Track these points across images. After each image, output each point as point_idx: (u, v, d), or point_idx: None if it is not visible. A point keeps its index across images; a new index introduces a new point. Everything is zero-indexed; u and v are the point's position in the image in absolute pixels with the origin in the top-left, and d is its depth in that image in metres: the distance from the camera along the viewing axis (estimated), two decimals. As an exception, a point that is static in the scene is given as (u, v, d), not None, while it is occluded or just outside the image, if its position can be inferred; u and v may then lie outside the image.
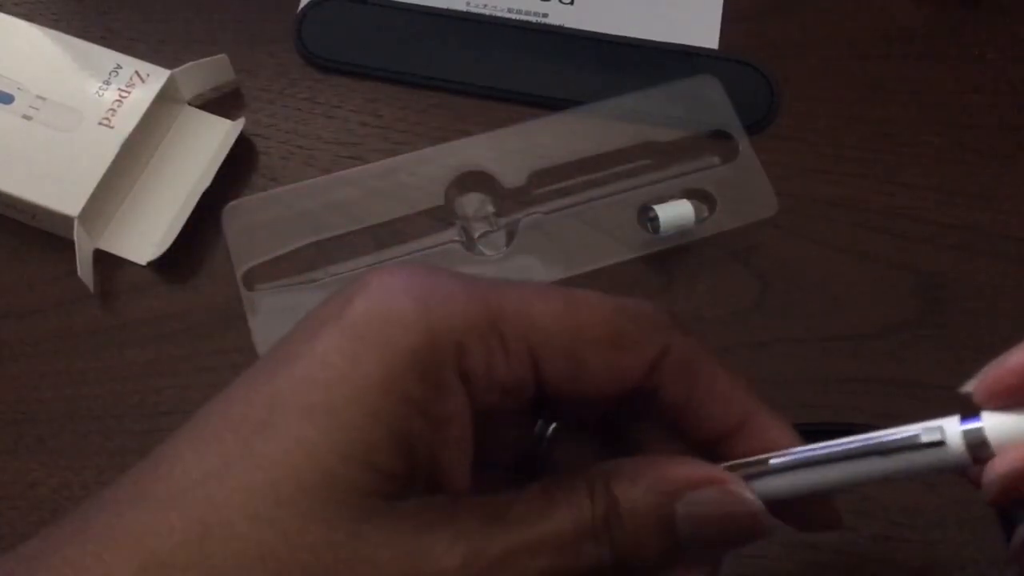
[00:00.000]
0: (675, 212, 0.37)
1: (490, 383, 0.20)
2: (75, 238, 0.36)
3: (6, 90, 0.38)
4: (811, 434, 0.35)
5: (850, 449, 0.21)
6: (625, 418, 0.24)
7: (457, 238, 0.38)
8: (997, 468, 0.21)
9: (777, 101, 0.41)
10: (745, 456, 0.22)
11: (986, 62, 0.42)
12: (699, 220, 0.37)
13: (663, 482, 0.21)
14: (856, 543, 0.33)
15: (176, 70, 0.39)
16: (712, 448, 0.22)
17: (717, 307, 0.37)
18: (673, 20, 0.43)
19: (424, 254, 0.37)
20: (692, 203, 0.37)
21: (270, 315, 0.36)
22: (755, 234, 0.38)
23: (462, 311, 0.20)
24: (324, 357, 0.19)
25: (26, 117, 0.38)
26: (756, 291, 0.38)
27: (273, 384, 0.20)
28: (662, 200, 0.37)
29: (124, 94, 0.38)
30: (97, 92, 0.38)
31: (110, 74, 0.38)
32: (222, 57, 0.40)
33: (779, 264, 0.38)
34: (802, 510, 0.23)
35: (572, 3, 0.43)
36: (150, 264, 0.37)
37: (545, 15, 0.43)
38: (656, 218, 0.37)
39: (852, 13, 0.43)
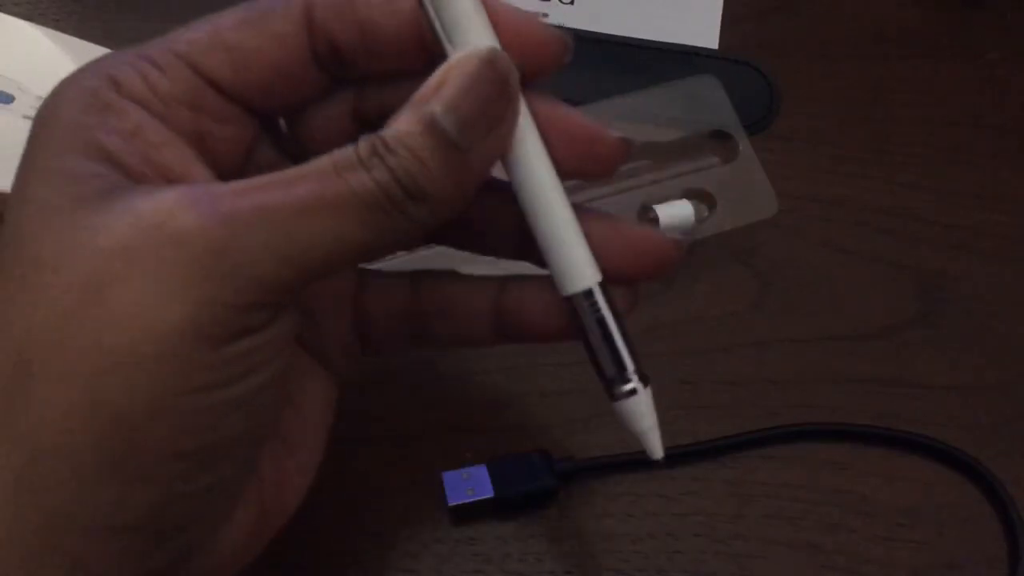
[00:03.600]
0: (675, 212, 0.37)
1: (161, 97, 0.22)
2: (75, 238, 0.36)
3: (6, 90, 0.38)
4: (812, 434, 0.35)
5: None
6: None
7: (457, 238, 0.38)
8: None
9: (777, 101, 0.41)
10: None
11: (986, 62, 0.42)
12: (699, 220, 0.37)
13: (415, 101, 0.21)
14: (856, 543, 0.33)
15: (176, 70, 0.39)
16: None
17: (717, 307, 0.37)
18: (673, 20, 0.43)
19: (424, 254, 0.37)
20: (692, 203, 0.37)
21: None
22: (755, 234, 0.38)
23: (102, 63, 0.23)
24: (23, 157, 0.22)
25: (26, 117, 0.38)
26: (756, 291, 0.38)
27: None
28: (662, 200, 0.37)
29: (124, 94, 0.38)
30: (97, 92, 0.38)
31: (110, 74, 0.39)
32: (222, 57, 0.40)
33: (779, 264, 0.38)
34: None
35: (572, 3, 0.43)
36: (150, 264, 0.37)
37: (545, 15, 0.43)
38: (656, 218, 0.37)
39: (852, 13, 0.43)
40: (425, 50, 0.23)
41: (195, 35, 0.24)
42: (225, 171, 0.24)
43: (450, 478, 0.32)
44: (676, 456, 0.34)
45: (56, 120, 0.22)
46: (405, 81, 0.23)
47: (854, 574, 0.32)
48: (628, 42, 0.42)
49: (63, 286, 0.20)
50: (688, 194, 0.38)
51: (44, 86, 0.38)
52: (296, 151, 0.25)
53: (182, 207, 0.20)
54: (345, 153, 0.21)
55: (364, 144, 0.21)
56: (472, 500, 0.31)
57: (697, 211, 0.37)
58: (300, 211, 0.20)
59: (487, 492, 0.31)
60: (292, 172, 0.21)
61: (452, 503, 0.31)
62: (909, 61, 0.42)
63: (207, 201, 0.20)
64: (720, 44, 0.42)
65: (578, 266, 0.24)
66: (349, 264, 0.22)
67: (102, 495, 0.20)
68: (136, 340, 0.19)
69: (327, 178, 0.20)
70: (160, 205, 0.20)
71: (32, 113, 0.38)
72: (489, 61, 0.21)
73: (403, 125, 0.21)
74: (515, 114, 0.22)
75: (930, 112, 0.41)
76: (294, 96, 0.24)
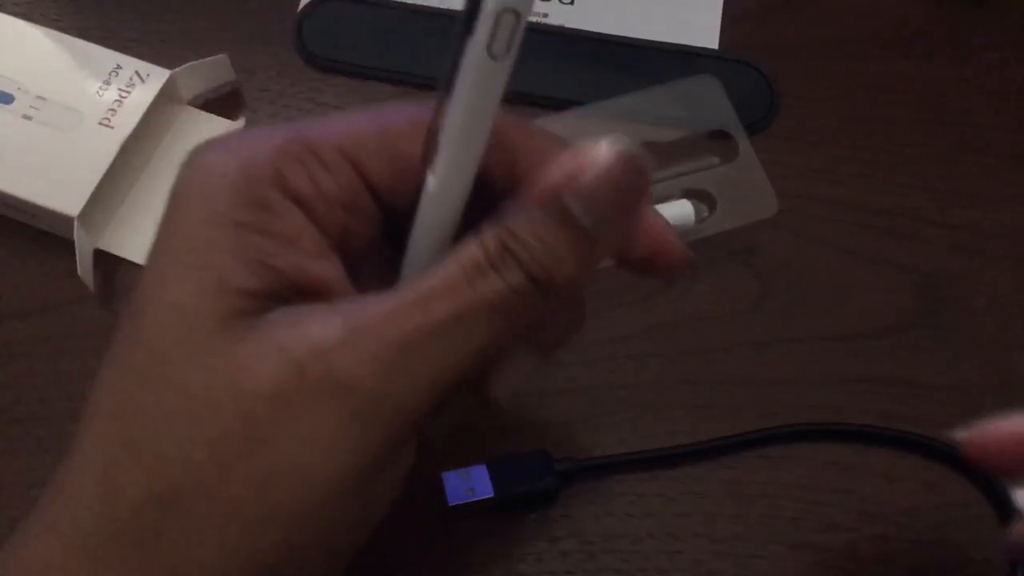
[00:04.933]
0: (675, 212, 0.37)
1: (325, 200, 0.22)
2: (75, 238, 0.36)
3: (6, 90, 0.38)
4: (812, 434, 0.35)
5: None
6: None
7: (457, 238, 0.38)
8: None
9: (777, 101, 0.41)
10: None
11: (986, 62, 0.42)
12: (699, 220, 0.37)
13: (549, 191, 0.21)
14: (856, 543, 0.33)
15: (176, 70, 0.39)
16: None
17: (717, 307, 0.37)
18: (673, 20, 0.43)
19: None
20: (692, 203, 0.37)
21: (270, 315, 0.36)
22: (755, 234, 0.38)
23: (271, 144, 0.22)
24: (160, 235, 0.22)
25: (26, 117, 0.38)
26: (756, 291, 0.38)
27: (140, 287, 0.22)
28: (662, 200, 0.37)
29: (124, 94, 0.38)
30: (97, 92, 0.38)
31: (110, 74, 0.39)
32: (222, 57, 0.40)
33: (779, 264, 0.38)
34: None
35: (572, 3, 0.43)
36: (150, 264, 0.37)
37: (545, 15, 0.43)
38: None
39: (852, 13, 0.43)
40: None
41: (363, 133, 0.23)
42: (351, 259, 0.23)
43: (450, 478, 0.32)
44: (676, 456, 0.34)
45: (209, 204, 0.21)
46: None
47: (854, 574, 0.32)
48: (628, 42, 0.42)
49: (220, 429, 0.19)
50: (688, 194, 0.38)
51: (44, 86, 0.38)
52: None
53: (335, 349, 0.19)
54: (472, 255, 0.20)
55: (492, 240, 0.20)
56: (472, 500, 0.31)
57: (697, 211, 0.37)
58: (440, 334, 0.20)
59: (487, 492, 0.31)
60: (425, 287, 0.20)
61: (452, 503, 0.31)
62: (909, 61, 0.42)
63: (357, 340, 0.20)
64: (720, 44, 0.42)
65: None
66: (485, 365, 0.22)
67: None
68: (296, 496, 0.19)
69: (460, 291, 0.20)
70: (312, 344, 0.20)
71: (32, 113, 0.38)
72: (629, 155, 0.21)
73: (535, 216, 0.20)
74: (646, 197, 0.22)
75: (930, 112, 0.41)
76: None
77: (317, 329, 0.20)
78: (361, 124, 0.23)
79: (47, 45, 0.39)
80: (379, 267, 0.24)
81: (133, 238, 0.38)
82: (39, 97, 0.38)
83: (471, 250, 0.21)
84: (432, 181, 0.22)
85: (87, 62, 0.39)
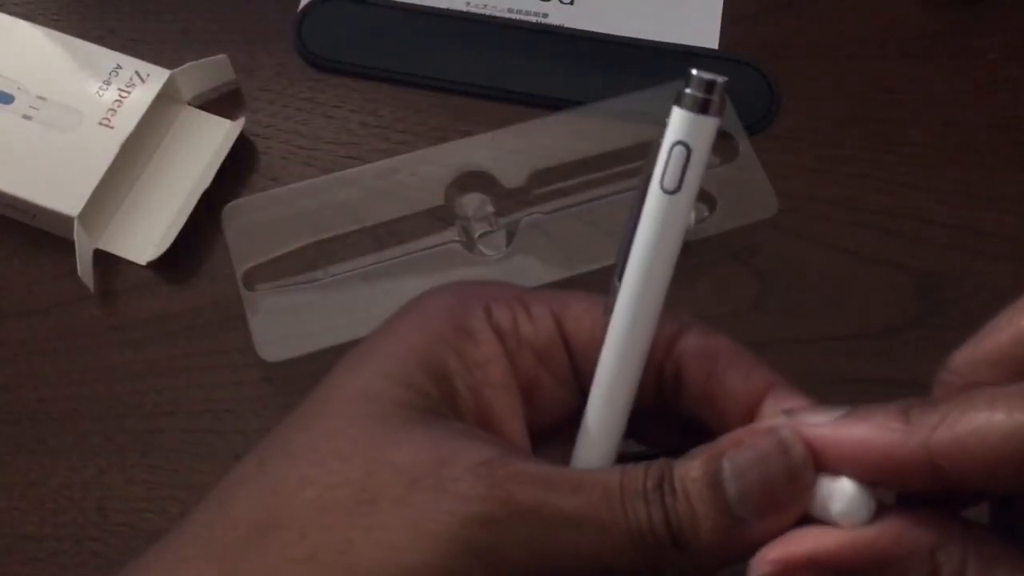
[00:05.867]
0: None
1: (519, 339, 0.23)
2: (75, 238, 0.36)
3: (6, 90, 0.38)
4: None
5: None
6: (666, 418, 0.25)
7: (457, 238, 0.38)
8: None
9: (777, 101, 0.41)
10: None
11: (986, 62, 0.42)
12: (699, 220, 0.37)
13: (713, 448, 0.21)
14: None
15: (176, 70, 0.39)
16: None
17: (717, 307, 0.37)
18: (673, 20, 0.43)
19: (424, 254, 0.37)
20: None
21: (270, 315, 0.36)
22: (755, 234, 0.38)
23: (489, 288, 0.24)
24: (373, 335, 0.24)
25: (26, 117, 0.38)
26: (756, 291, 0.38)
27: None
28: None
29: (124, 94, 0.38)
30: (97, 92, 0.38)
31: (110, 74, 0.39)
32: (222, 57, 0.40)
33: (779, 264, 0.38)
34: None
35: (572, 3, 0.43)
36: (150, 264, 0.37)
37: (545, 15, 0.43)
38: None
39: (852, 13, 0.43)
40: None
41: (574, 299, 0.24)
42: (539, 428, 0.24)
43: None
44: (676, 456, 0.34)
45: (424, 319, 0.23)
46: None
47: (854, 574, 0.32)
48: (628, 42, 0.42)
49: (344, 479, 0.21)
50: (688, 194, 0.38)
51: (44, 86, 0.38)
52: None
53: (482, 472, 0.20)
54: (636, 476, 0.21)
55: (654, 473, 0.21)
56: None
57: (697, 211, 0.37)
58: (573, 519, 0.20)
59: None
60: (586, 476, 0.21)
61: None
62: (909, 61, 0.42)
63: (502, 477, 0.20)
64: (720, 44, 0.42)
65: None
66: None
67: None
68: (380, 565, 0.20)
69: (611, 497, 0.21)
70: (464, 458, 0.21)
71: (32, 113, 0.38)
72: (783, 445, 0.20)
73: (694, 469, 0.21)
74: (802, 504, 0.20)
75: (930, 112, 0.41)
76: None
77: (473, 449, 0.21)
78: (574, 295, 0.25)
79: (47, 45, 0.39)
80: (566, 444, 0.24)
81: (133, 238, 0.38)
82: (39, 97, 0.38)
83: (637, 470, 0.21)
84: (609, 324, 0.23)
85: (87, 62, 0.39)
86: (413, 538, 0.20)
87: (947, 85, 0.42)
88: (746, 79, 0.41)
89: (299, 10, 0.43)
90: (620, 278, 0.22)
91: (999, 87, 0.41)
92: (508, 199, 0.38)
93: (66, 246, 0.36)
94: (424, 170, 0.38)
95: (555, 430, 0.25)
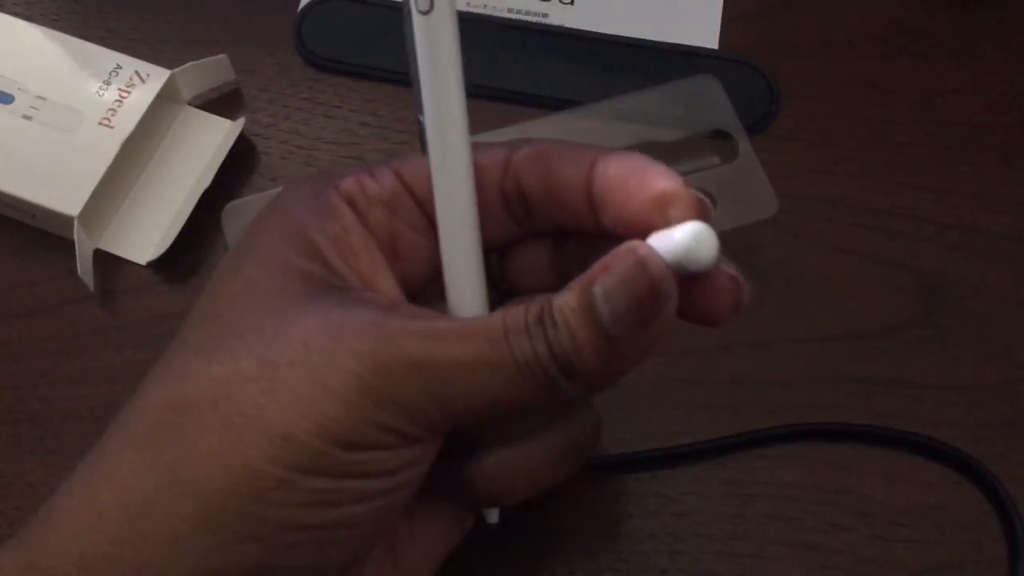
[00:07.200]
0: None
1: (367, 199, 0.25)
2: (75, 238, 0.36)
3: (6, 90, 0.38)
4: (812, 434, 0.35)
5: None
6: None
7: (457, 238, 0.38)
8: None
9: (777, 101, 0.41)
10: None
11: (986, 61, 0.42)
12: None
13: (586, 277, 0.22)
14: (856, 543, 0.33)
15: (176, 70, 0.39)
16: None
17: (717, 307, 0.37)
18: (673, 20, 0.43)
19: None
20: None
21: (270, 315, 0.36)
22: (755, 234, 0.38)
23: (336, 170, 0.25)
24: (245, 235, 0.25)
25: (26, 117, 0.38)
26: (756, 291, 0.37)
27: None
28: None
29: (124, 94, 0.38)
30: (97, 92, 0.38)
31: (110, 74, 0.39)
32: (222, 57, 0.40)
33: (779, 264, 0.38)
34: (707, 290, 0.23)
35: (572, 3, 0.43)
36: (150, 264, 0.37)
37: (545, 15, 0.43)
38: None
39: (852, 13, 0.43)
40: (592, 206, 0.24)
41: (415, 158, 0.25)
42: (413, 279, 0.26)
43: (450, 478, 0.32)
44: (676, 456, 0.34)
45: (285, 212, 0.25)
46: (596, 240, 0.24)
47: (854, 574, 0.33)
48: (628, 42, 0.42)
49: (246, 353, 0.22)
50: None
51: (44, 86, 0.38)
52: (499, 275, 0.27)
53: (371, 331, 0.22)
54: (517, 316, 0.22)
55: (535, 310, 0.22)
56: (472, 500, 0.31)
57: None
58: (462, 364, 0.22)
59: (487, 492, 0.31)
60: (469, 324, 0.22)
61: (452, 503, 0.31)
62: (909, 61, 0.42)
63: (391, 332, 0.22)
64: (720, 44, 0.42)
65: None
66: (493, 418, 0.23)
67: (215, 539, 0.21)
68: (290, 421, 0.21)
69: (496, 339, 0.22)
70: (352, 321, 0.22)
71: (32, 113, 0.38)
72: (641, 263, 0.21)
73: (570, 299, 0.22)
74: (668, 312, 0.22)
75: (930, 112, 0.41)
76: (483, 229, 0.25)
77: (361, 314, 0.22)
78: (412, 160, 0.26)
79: (47, 45, 0.39)
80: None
81: (133, 238, 0.38)
82: (39, 97, 0.38)
83: (518, 310, 0.22)
84: (429, 157, 0.24)
85: (87, 62, 0.39)
86: (316, 395, 0.21)
87: (947, 85, 0.42)
88: (746, 79, 0.41)
89: (299, 10, 0.43)
90: (422, 112, 0.23)
91: (999, 87, 0.42)
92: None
93: (66, 246, 0.36)
94: (424, 170, 0.38)
95: (434, 286, 0.26)
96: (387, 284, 0.25)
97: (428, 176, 0.24)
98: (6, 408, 0.35)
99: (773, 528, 0.33)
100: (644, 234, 0.22)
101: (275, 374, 0.22)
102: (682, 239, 0.21)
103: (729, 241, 0.38)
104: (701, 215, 0.22)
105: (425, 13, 0.22)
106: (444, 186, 0.24)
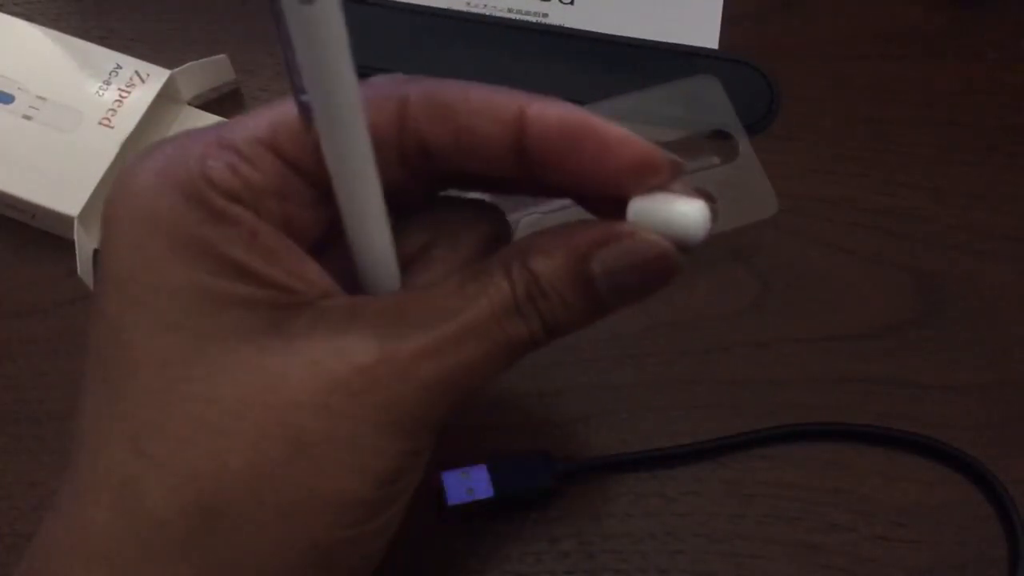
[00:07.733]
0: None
1: (252, 191, 0.22)
2: (75, 238, 0.36)
3: (6, 90, 0.38)
4: (812, 434, 0.35)
5: None
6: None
7: (457, 238, 0.38)
8: None
9: (777, 101, 0.41)
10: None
11: (986, 62, 0.42)
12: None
13: (576, 248, 0.22)
14: (856, 543, 0.33)
15: (176, 70, 0.39)
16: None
17: (717, 307, 0.37)
18: (673, 20, 0.43)
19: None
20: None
21: (270, 315, 0.36)
22: (755, 234, 0.38)
23: (179, 152, 0.22)
24: (108, 263, 0.22)
25: (26, 117, 0.38)
26: (756, 291, 0.38)
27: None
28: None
29: (124, 94, 0.38)
30: (97, 92, 0.38)
31: (110, 74, 0.39)
32: (222, 57, 0.40)
33: (779, 264, 0.38)
34: None
35: (572, 3, 0.43)
36: (150, 264, 0.37)
37: (545, 15, 0.43)
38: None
39: (852, 13, 0.43)
40: (523, 160, 0.23)
41: (279, 118, 0.22)
42: (310, 249, 0.23)
43: (450, 478, 0.32)
44: (676, 456, 0.34)
45: (157, 222, 0.21)
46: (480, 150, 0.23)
47: (853, 574, 0.32)
48: (628, 42, 0.42)
49: (256, 437, 0.20)
50: (688, 194, 0.38)
51: (44, 86, 0.38)
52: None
53: (383, 377, 0.21)
54: (503, 296, 0.22)
55: (521, 286, 0.22)
56: (472, 500, 0.31)
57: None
58: (468, 367, 0.22)
59: (487, 492, 0.31)
60: (461, 320, 0.21)
61: (452, 503, 0.31)
62: (909, 61, 0.42)
63: (403, 368, 0.21)
64: (720, 44, 0.42)
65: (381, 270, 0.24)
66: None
67: None
68: (342, 490, 0.21)
69: (491, 329, 0.22)
70: (352, 366, 0.21)
71: (32, 113, 0.38)
72: (664, 254, 0.22)
73: (556, 269, 0.22)
74: (655, 290, 0.23)
75: (930, 112, 0.41)
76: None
77: (351, 344, 0.21)
78: (278, 111, 0.23)
79: (47, 45, 0.39)
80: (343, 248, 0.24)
81: (133, 238, 0.38)
82: (39, 97, 0.38)
83: (502, 289, 0.22)
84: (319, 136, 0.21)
85: (87, 62, 0.39)
86: (362, 460, 0.21)
87: (947, 85, 0.42)
88: (746, 79, 0.41)
89: (299, 10, 0.43)
90: (301, 94, 0.22)
91: (999, 87, 0.42)
92: (507, 198, 0.38)
93: (66, 246, 0.36)
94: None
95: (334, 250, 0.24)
96: (316, 273, 0.22)
97: (315, 150, 0.22)
98: (6, 408, 0.35)
99: (773, 528, 0.33)
100: (610, 196, 0.22)
101: (310, 454, 0.21)
102: (681, 221, 0.22)
103: (729, 241, 0.38)
104: (677, 176, 0.23)
105: (308, 3, 0.20)
106: (343, 170, 0.22)
